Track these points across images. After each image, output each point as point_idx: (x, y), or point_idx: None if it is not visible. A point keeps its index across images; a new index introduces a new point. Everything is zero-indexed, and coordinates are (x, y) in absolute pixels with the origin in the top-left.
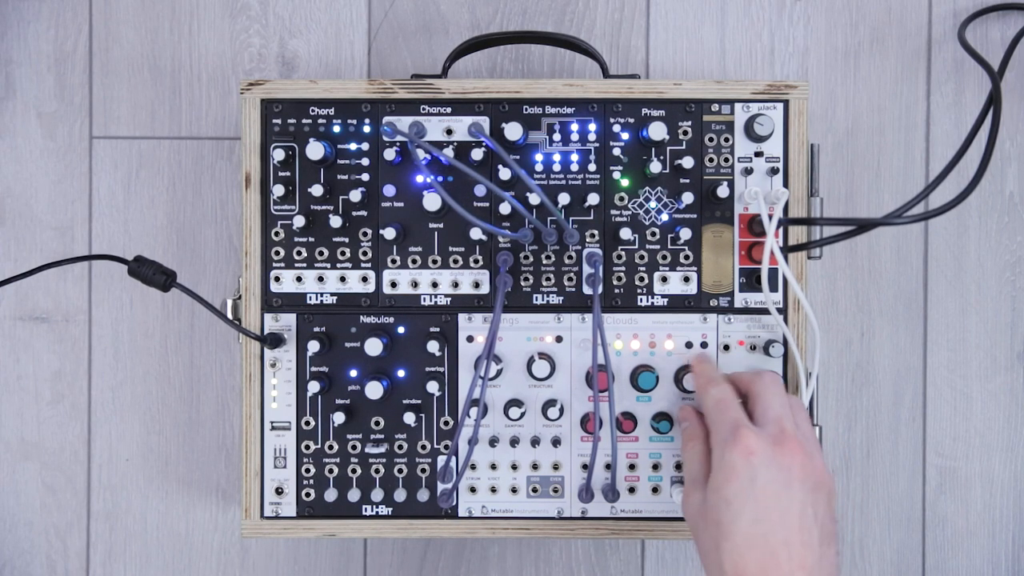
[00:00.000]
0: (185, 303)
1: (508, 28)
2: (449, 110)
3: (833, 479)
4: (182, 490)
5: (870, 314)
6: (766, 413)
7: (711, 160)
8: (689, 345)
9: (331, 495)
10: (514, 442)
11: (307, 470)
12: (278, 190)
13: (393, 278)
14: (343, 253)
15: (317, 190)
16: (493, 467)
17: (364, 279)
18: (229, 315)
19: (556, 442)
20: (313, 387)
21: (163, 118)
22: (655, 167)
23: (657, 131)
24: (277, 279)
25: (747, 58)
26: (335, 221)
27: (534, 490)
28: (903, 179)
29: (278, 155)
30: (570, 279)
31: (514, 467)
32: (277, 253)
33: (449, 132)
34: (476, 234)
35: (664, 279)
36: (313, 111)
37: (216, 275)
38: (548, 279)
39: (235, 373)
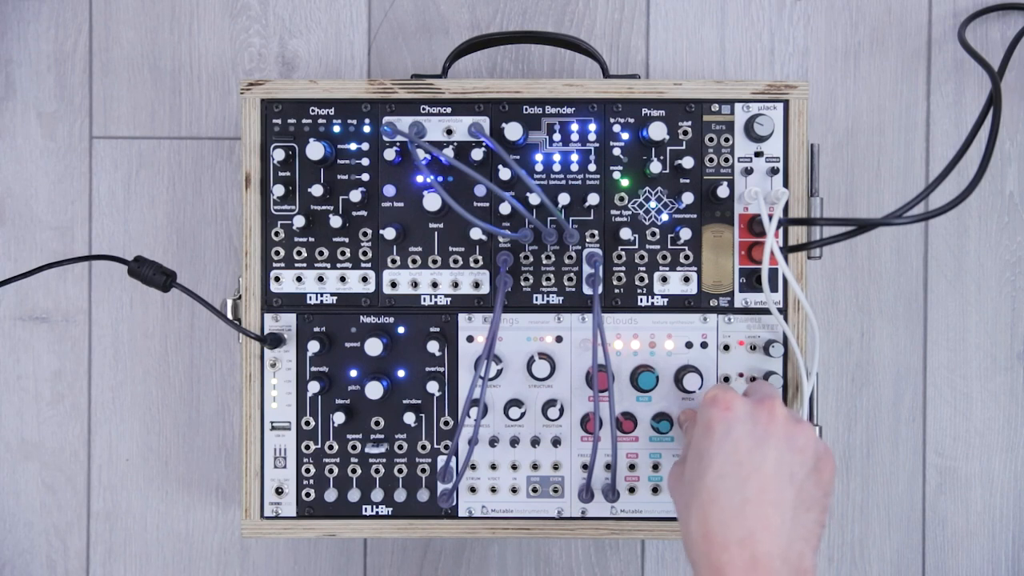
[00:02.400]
0: (185, 303)
1: (508, 28)
2: (449, 110)
3: (828, 451)
4: (182, 490)
5: (870, 314)
6: (756, 392)
7: (711, 160)
8: (689, 345)
9: (331, 495)
10: (514, 442)
11: (307, 470)
12: (278, 190)
13: (393, 278)
14: (343, 253)
15: (317, 190)
16: (493, 467)
17: (364, 279)
18: (229, 315)
19: (556, 442)
20: (313, 387)
21: (163, 118)
22: (655, 167)
23: (657, 131)
24: (277, 279)
25: (747, 58)
26: (335, 221)
27: (534, 490)
28: (903, 179)
29: (278, 155)
30: (570, 279)
31: (514, 467)
32: (277, 253)
33: (449, 132)
34: (476, 234)
35: (664, 279)
36: (313, 111)
37: (216, 275)
38: (548, 279)
39: (235, 373)
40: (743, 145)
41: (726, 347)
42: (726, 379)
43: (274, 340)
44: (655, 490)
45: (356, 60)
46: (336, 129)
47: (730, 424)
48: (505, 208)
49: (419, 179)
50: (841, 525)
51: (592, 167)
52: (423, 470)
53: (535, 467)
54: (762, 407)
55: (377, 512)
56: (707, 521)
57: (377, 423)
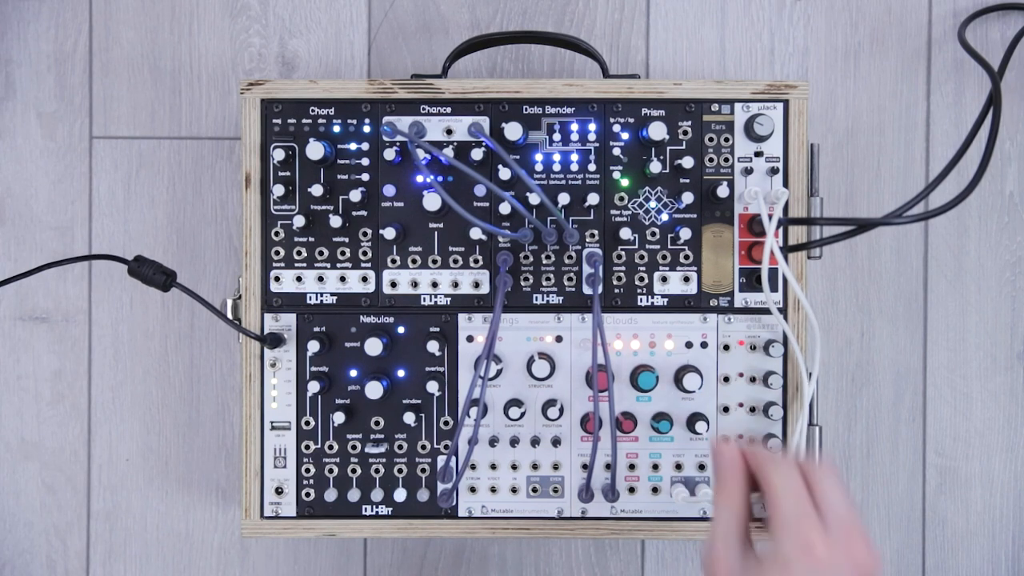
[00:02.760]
0: (185, 303)
1: (508, 28)
2: (449, 110)
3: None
4: (182, 490)
5: (870, 314)
6: (831, 509)
7: (711, 160)
8: (689, 345)
9: (331, 495)
10: (514, 442)
11: (307, 470)
12: (278, 190)
13: (393, 278)
14: (343, 253)
15: (317, 190)
16: (493, 467)
17: (364, 279)
18: (229, 315)
19: (556, 442)
20: (313, 387)
21: (163, 118)
22: (655, 167)
23: (657, 131)
24: (277, 279)
25: (747, 58)
26: (335, 221)
27: (534, 490)
28: (903, 179)
29: (278, 155)
30: (570, 279)
31: (514, 467)
32: (277, 253)
33: (449, 132)
34: (476, 234)
35: (664, 279)
36: (313, 111)
37: (216, 275)
38: (548, 279)
39: (235, 373)
40: (743, 145)
41: (726, 347)
42: (726, 379)
43: (274, 340)
44: (655, 490)
45: (356, 60)
46: (336, 129)
47: (812, 573)
48: (505, 208)
49: (419, 179)
50: None
51: (592, 167)
52: (423, 470)
53: (535, 467)
54: (848, 554)
55: (377, 512)
56: None
57: (377, 423)
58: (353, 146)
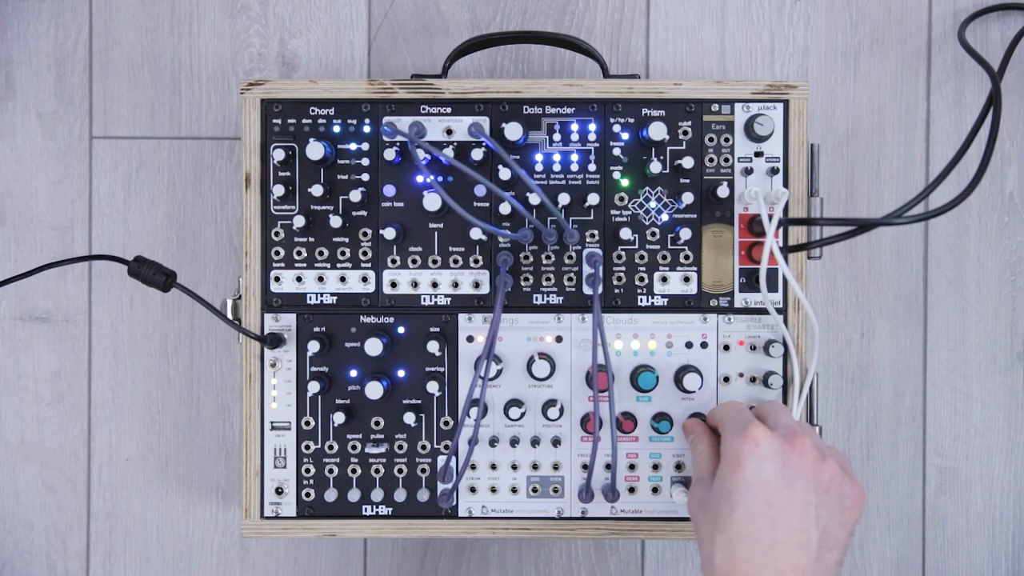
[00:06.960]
0: (185, 303)
1: (508, 28)
2: (449, 110)
3: (860, 494)
4: (182, 490)
5: (870, 314)
6: (778, 422)
7: (711, 160)
8: (689, 345)
9: (331, 495)
10: (514, 442)
11: (307, 470)
12: (278, 190)
13: (393, 278)
14: (343, 253)
15: (317, 190)
16: (493, 467)
17: (364, 279)
18: (229, 315)
19: (556, 442)
20: (313, 387)
21: (163, 118)
22: (655, 167)
23: (657, 131)
24: (277, 279)
25: (747, 58)
26: (335, 221)
27: (534, 490)
28: (903, 179)
29: (278, 155)
30: (570, 279)
31: (514, 467)
32: (277, 253)
33: (449, 132)
34: (476, 234)
35: (664, 279)
36: (313, 111)
37: (216, 275)
38: (548, 279)
39: (235, 373)
40: (743, 145)
41: (726, 347)
42: (726, 379)
43: (274, 340)
44: (655, 490)
45: (356, 60)
46: (336, 129)
47: (760, 462)
48: (505, 208)
49: (419, 179)
50: None
51: (592, 167)
52: (423, 470)
53: (535, 467)
54: (792, 447)
55: (377, 512)
56: (735, 558)
57: (377, 423)
58: (353, 146)
